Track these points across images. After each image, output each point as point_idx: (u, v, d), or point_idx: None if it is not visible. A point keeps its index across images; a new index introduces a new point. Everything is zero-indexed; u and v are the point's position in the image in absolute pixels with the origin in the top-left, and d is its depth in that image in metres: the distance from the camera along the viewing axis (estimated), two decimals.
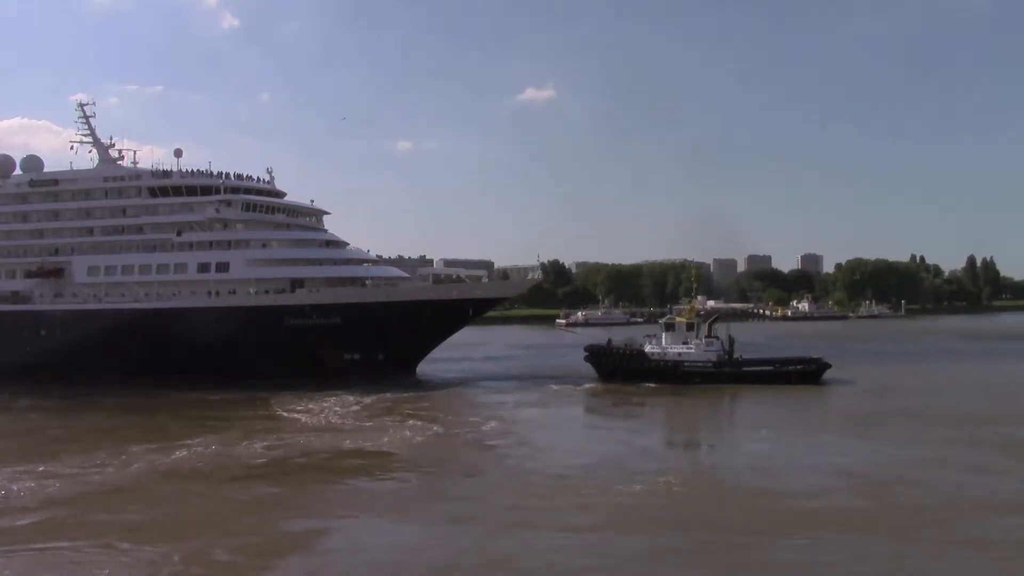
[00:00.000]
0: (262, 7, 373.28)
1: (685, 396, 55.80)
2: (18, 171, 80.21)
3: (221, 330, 67.46)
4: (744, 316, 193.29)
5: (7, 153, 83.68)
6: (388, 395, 56.76)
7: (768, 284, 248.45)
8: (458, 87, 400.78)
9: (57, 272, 74.85)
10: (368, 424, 45.09)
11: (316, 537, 26.07)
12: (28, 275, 75.68)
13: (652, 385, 58.97)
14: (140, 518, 27.47)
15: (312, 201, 78.91)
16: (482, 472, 34.51)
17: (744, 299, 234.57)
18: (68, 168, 78.39)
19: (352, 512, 28.19)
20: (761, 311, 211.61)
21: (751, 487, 31.05)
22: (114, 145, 78.17)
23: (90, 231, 75.54)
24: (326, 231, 77.70)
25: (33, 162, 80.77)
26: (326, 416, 48.12)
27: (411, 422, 45.49)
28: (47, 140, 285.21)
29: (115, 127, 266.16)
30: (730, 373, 59.70)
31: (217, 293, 70.78)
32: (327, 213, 79.55)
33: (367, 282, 74.58)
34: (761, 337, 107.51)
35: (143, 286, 72.61)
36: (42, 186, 77.70)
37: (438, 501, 29.20)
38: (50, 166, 79.41)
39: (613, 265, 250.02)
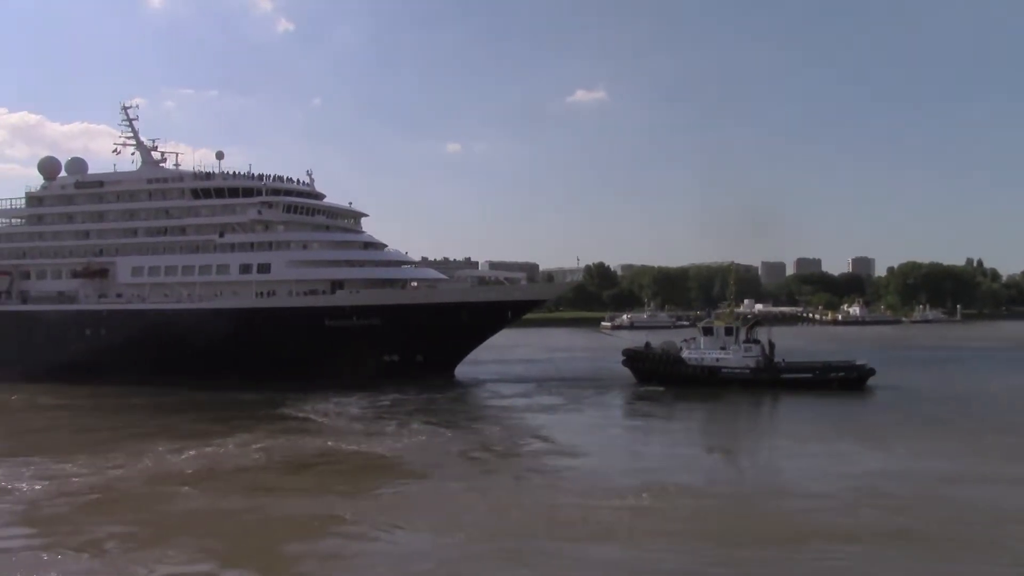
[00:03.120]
0: (317, 11, 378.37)
1: (721, 403, 54.72)
2: (63, 173, 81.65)
3: (262, 331, 68.02)
4: (792, 320, 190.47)
5: (52, 155, 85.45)
6: (423, 396, 56.78)
7: (818, 288, 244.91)
8: (508, 89, 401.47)
9: (102, 272, 76.01)
10: (399, 426, 44.87)
11: (319, 542, 25.77)
12: (74, 275, 76.97)
13: (689, 391, 57.77)
14: (129, 522, 27.46)
15: (351, 203, 79.39)
16: (510, 478, 33.90)
17: (793, 303, 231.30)
18: (112, 170, 79.65)
19: (377, 520, 27.73)
20: (810, 315, 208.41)
21: (776, 500, 30.13)
22: (157, 147, 79.30)
23: (134, 232, 76.54)
24: (364, 232, 78.04)
25: (78, 164, 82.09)
26: (358, 417, 47.99)
27: (444, 424, 45.28)
28: (105, 144, 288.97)
29: (171, 131, 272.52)
30: (769, 379, 58.47)
31: (259, 294, 71.34)
32: (365, 215, 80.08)
33: (413, 283, 74.87)
34: (808, 341, 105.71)
35: (186, 287, 73.45)
36: (87, 188, 79.00)
37: (465, 507, 28.75)
38: (107, 169, 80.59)
39: (659, 268, 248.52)
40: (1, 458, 36.36)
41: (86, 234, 78.33)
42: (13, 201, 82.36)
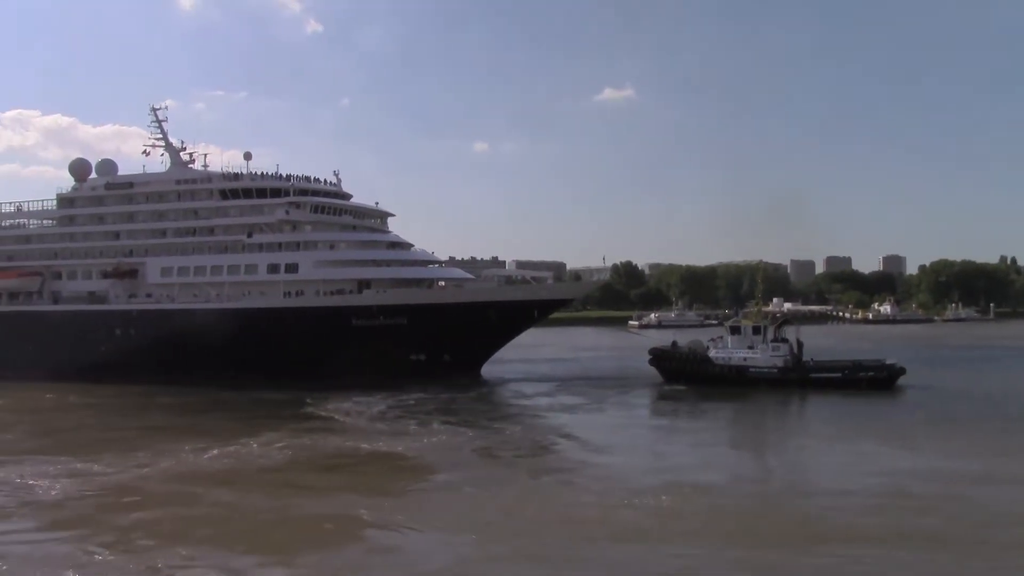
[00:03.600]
0: (345, 12, 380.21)
1: (748, 403, 54.23)
2: (94, 175, 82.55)
3: (290, 330, 68.45)
4: (822, 319, 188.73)
5: (83, 157, 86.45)
6: (447, 395, 56.82)
7: (848, 286, 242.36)
8: (535, 88, 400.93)
9: (132, 273, 76.76)
10: (420, 425, 44.93)
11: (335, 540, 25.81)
12: (104, 276, 77.77)
13: (716, 391, 57.22)
14: (149, 520, 27.72)
15: (377, 203, 79.73)
16: (530, 478, 33.83)
17: (822, 301, 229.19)
18: (141, 172, 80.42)
19: (395, 519, 27.68)
20: (840, 313, 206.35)
21: (799, 500, 29.88)
22: (185, 148, 79.90)
23: (163, 233, 77.22)
24: (390, 232, 78.30)
25: (108, 166, 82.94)
26: (381, 417, 48.10)
27: (465, 424, 45.25)
28: (137, 145, 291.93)
29: (201, 132, 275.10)
30: (797, 379, 57.90)
31: (287, 294, 71.76)
32: (392, 215, 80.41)
33: (440, 283, 75.04)
34: (838, 340, 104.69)
35: (214, 286, 74.03)
36: (117, 189, 79.76)
37: (483, 507, 28.71)
38: (138, 170, 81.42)
39: (687, 266, 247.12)
40: (29, 456, 36.79)
41: (116, 235, 79.11)
42: (45, 202, 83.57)
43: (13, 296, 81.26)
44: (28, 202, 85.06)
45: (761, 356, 58.88)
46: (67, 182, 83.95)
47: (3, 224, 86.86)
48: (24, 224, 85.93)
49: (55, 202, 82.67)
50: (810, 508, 28.52)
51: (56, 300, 79.96)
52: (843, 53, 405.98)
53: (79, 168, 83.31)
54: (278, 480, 32.79)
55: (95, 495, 30.68)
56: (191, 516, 28.04)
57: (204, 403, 56.10)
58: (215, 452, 37.41)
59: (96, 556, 23.67)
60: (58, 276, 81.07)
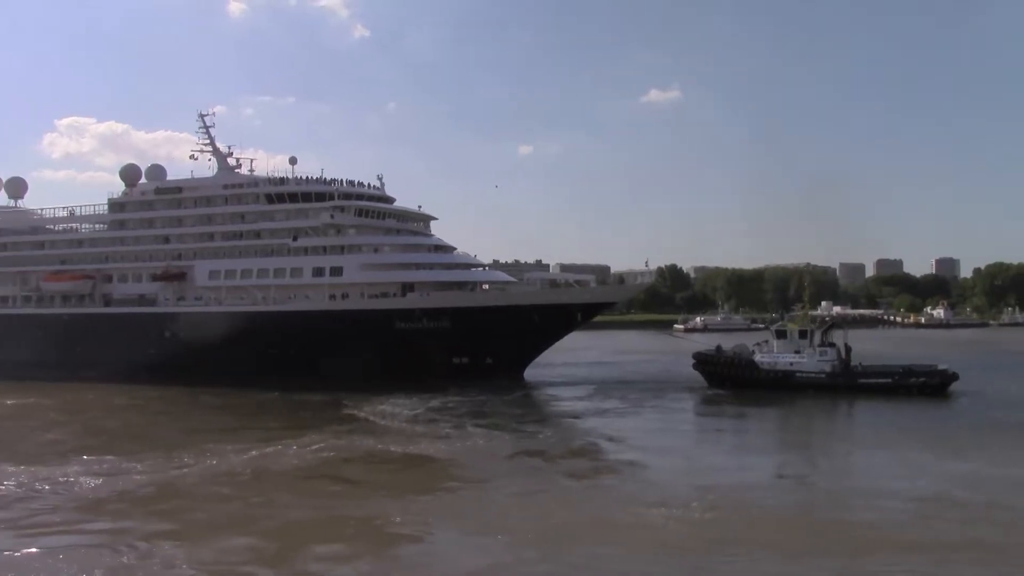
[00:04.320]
0: (392, 17, 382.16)
1: (794, 409, 53.42)
2: (144, 180, 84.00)
3: (334, 333, 68.91)
4: (872, 323, 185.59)
5: (134, 163, 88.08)
6: (486, 398, 56.74)
7: (899, 289, 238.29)
8: (580, 90, 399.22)
9: (180, 276, 77.99)
10: (457, 428, 44.88)
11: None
12: (154, 279, 79.17)
13: (761, 396, 56.31)
14: (183, 519, 27.97)
15: (420, 206, 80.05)
16: (563, 483, 33.54)
17: (872, 305, 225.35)
18: (189, 176, 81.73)
19: (426, 521, 27.66)
20: (891, 318, 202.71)
21: (842, 508, 29.13)
22: (232, 154, 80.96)
23: (211, 236, 78.35)
24: (433, 235, 78.58)
25: (157, 171, 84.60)
26: (419, 419, 48.07)
27: (502, 427, 45.15)
28: (187, 151, 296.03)
29: (250, 137, 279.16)
30: (845, 385, 56.79)
31: (331, 297, 72.30)
32: (435, 218, 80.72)
33: (484, 286, 75.15)
34: (889, 345, 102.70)
35: (261, 289, 74.92)
36: (166, 194, 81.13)
37: (514, 511, 28.46)
38: (187, 175, 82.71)
39: (733, 269, 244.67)
40: (74, 455, 37.33)
41: (165, 239, 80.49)
42: (96, 207, 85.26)
43: (66, 299, 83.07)
44: (81, 207, 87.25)
45: (808, 361, 57.86)
46: (120, 187, 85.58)
47: (57, 228, 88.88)
48: (77, 228, 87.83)
49: (107, 207, 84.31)
50: (854, 516, 27.83)
51: (107, 303, 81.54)
52: (894, 51, 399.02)
53: (129, 173, 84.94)
54: (312, 481, 32.93)
55: (133, 494, 31.08)
56: (224, 516, 28.28)
57: (247, 404, 56.90)
58: (254, 453, 37.68)
59: (123, 555, 23.90)
60: (109, 279, 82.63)
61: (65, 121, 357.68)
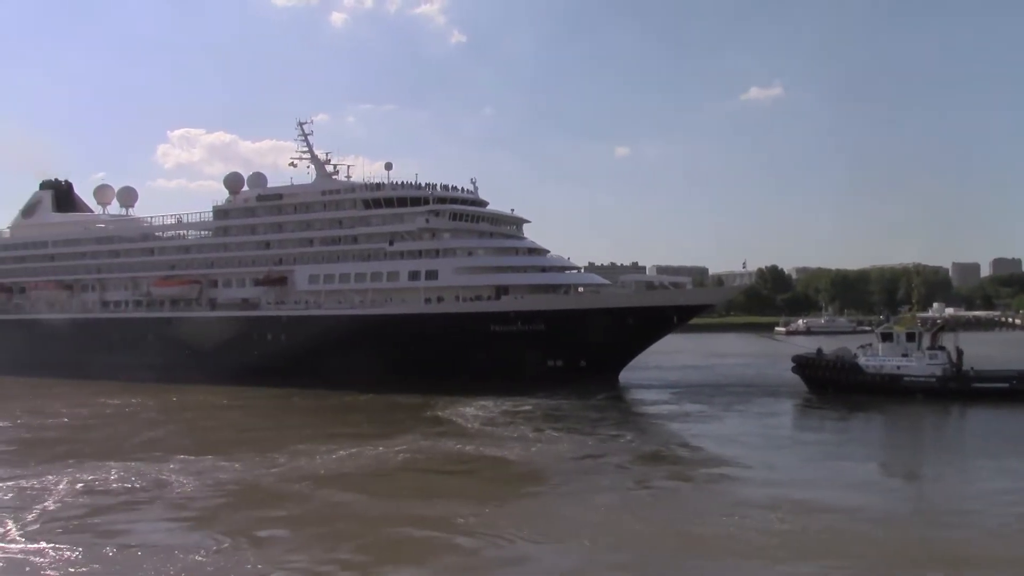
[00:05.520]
0: (488, 22, 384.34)
1: (900, 415, 51.20)
2: (246, 187, 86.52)
3: (430, 336, 69.60)
4: (988, 325, 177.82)
5: (237, 171, 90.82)
6: (575, 401, 56.32)
7: (1018, 289, 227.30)
8: (678, 90, 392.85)
9: (281, 280, 79.92)
10: (541, 431, 44.58)
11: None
12: (256, 283, 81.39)
13: (865, 400, 54.17)
14: (267, 518, 28.61)
15: (512, 210, 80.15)
16: (647, 489, 32.96)
17: (989, 306, 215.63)
18: (289, 183, 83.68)
19: (503, 526, 27.20)
20: (1010, 320, 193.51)
21: (939, 522, 27.74)
22: (330, 160, 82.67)
23: (310, 242, 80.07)
24: (526, 238, 78.64)
25: (258, 179, 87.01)
26: (505, 422, 48.00)
27: (587, 431, 44.65)
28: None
29: (351, 144, 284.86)
30: (957, 389, 54.36)
31: (427, 300, 73.08)
32: (527, 221, 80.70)
33: (580, 289, 74.90)
34: (1007, 349, 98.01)
35: (358, 293, 76.16)
36: (267, 200, 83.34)
37: (595, 516, 27.99)
38: (288, 183, 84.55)
39: (837, 270, 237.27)
40: (169, 454, 38.58)
41: (267, 244, 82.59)
42: (202, 215, 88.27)
43: (174, 303, 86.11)
44: (187, 214, 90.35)
45: (917, 364, 55.48)
46: (225, 195, 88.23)
47: (165, 235, 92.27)
48: (184, 235, 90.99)
49: (211, 214, 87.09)
50: (947, 532, 26.39)
51: (213, 307, 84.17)
52: (1007, 45, 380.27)
53: (233, 182, 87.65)
54: (392, 483, 33.27)
55: (221, 492, 31.98)
56: (304, 515, 28.79)
57: (339, 406, 57.92)
58: (341, 453, 38.31)
59: (198, 553, 24.42)
60: (214, 284, 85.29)
61: (177, 132, 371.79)
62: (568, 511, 28.70)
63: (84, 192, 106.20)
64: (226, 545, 25.08)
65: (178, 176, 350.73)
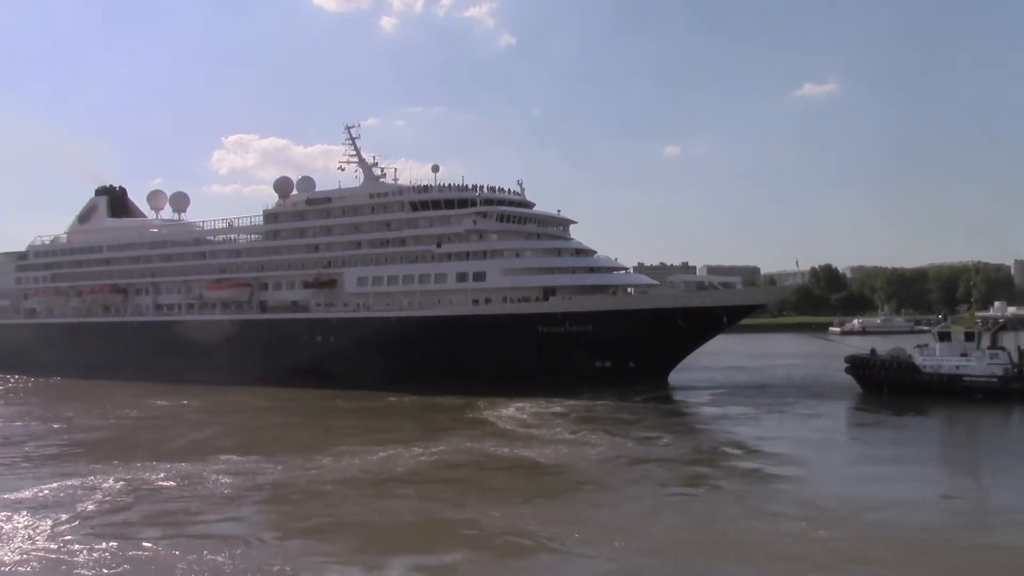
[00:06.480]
0: (537, 24, 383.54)
1: (962, 417, 49.80)
2: (295, 191, 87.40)
3: (478, 337, 69.62)
4: None
5: (287, 175, 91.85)
6: (621, 403, 55.84)
7: None
8: (729, 87, 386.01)
9: (330, 283, 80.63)
10: (585, 433, 44.10)
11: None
12: (305, 286, 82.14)
13: (921, 402, 52.79)
14: (299, 517, 28.91)
15: (559, 210, 80.00)
16: (691, 493, 32.42)
17: None
18: (337, 187, 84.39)
19: (543, 530, 26.73)
20: None
21: (996, 533, 26.66)
22: (377, 163, 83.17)
23: (358, 244, 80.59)
24: (573, 239, 78.32)
25: (307, 182, 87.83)
26: (548, 423, 47.60)
27: (631, 434, 44.08)
28: None
29: (400, 148, 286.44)
30: (1021, 390, 52.85)
31: (475, 301, 73.13)
32: (574, 222, 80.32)
33: (629, 290, 74.43)
34: None
35: (406, 295, 76.50)
36: (317, 204, 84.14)
37: (636, 521, 27.55)
38: (337, 186, 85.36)
39: (893, 268, 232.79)
40: (212, 455, 38.89)
41: (316, 247, 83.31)
42: (252, 218, 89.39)
43: (226, 306, 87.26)
44: (238, 218, 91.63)
45: (976, 364, 54.09)
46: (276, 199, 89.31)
47: (216, 239, 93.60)
48: (235, 239, 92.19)
49: (262, 218, 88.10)
50: (996, 539, 25.59)
51: (263, 309, 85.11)
52: None
53: (282, 186, 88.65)
54: (426, 484, 33.18)
55: (260, 492, 32.18)
56: (335, 516, 28.89)
57: (382, 408, 58.06)
58: (381, 454, 38.43)
59: (229, 552, 24.50)
60: (265, 287, 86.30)
61: (231, 138, 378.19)
62: (600, 514, 28.29)
63: (137, 198, 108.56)
64: (257, 545, 25.25)
65: (233, 181, 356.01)
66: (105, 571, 23.10)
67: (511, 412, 51.51)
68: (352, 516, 28.82)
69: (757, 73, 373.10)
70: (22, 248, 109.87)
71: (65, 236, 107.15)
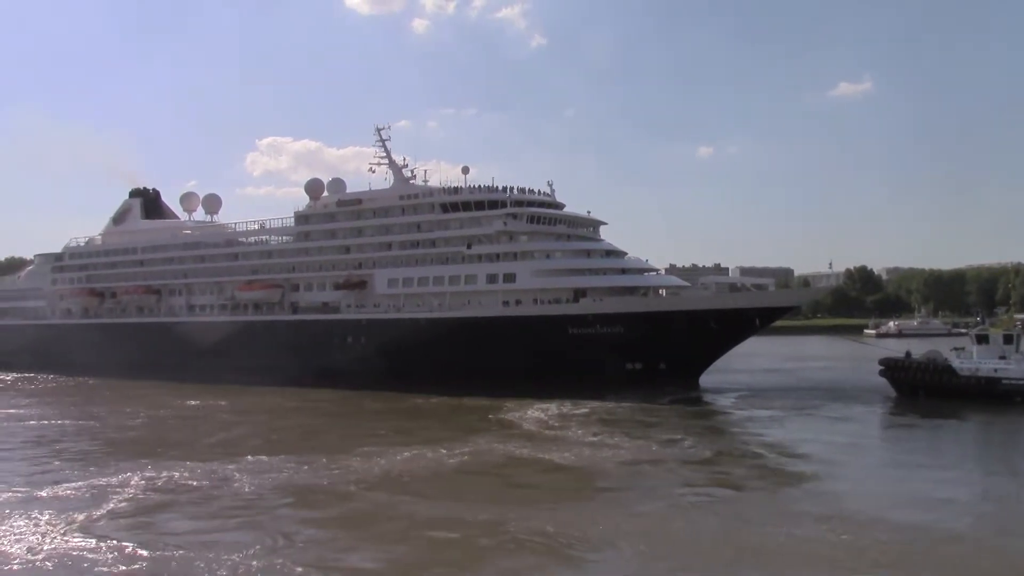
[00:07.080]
0: (568, 25, 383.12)
1: (999, 421, 48.68)
2: (326, 193, 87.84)
3: (508, 338, 69.54)
4: None
5: (318, 177, 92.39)
6: (645, 404, 55.41)
7: None
8: (762, 87, 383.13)
9: (361, 284, 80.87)
10: (605, 434, 43.83)
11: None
12: (336, 287, 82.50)
13: (958, 405, 51.78)
14: (318, 519, 29.01)
15: (589, 211, 79.81)
16: (720, 499, 31.91)
17: None
18: (367, 188, 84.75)
19: (547, 531, 26.45)
20: None
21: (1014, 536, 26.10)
22: (407, 165, 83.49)
23: (388, 246, 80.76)
24: (603, 240, 78.01)
25: (338, 184, 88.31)
26: (573, 425, 47.31)
27: (655, 437, 43.57)
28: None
29: (433, 149, 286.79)
30: None
31: (505, 303, 73.07)
32: (604, 223, 79.97)
33: (661, 291, 74.04)
34: None
35: (437, 296, 76.54)
36: (347, 206, 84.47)
37: (660, 527, 27.24)
38: (367, 188, 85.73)
39: (930, 270, 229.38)
40: (240, 456, 38.93)
41: (346, 249, 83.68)
42: (284, 220, 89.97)
43: (257, 307, 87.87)
44: (270, 220, 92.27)
45: (1016, 367, 53.15)
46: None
47: (248, 241, 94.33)
48: (266, 240, 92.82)
49: (293, 219, 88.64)
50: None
51: (294, 310, 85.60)
52: None
53: (313, 187, 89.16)
54: (448, 486, 33.14)
55: (284, 492, 32.17)
56: (357, 516, 29.00)
57: (409, 409, 58.00)
58: (406, 454, 38.45)
59: (249, 551, 24.52)
60: (296, 288, 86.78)
61: (265, 141, 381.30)
62: (621, 517, 27.93)
63: (171, 200, 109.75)
64: (279, 545, 25.22)
65: (266, 183, 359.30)
66: (127, 568, 23.21)
67: (539, 414, 51.25)
68: (372, 516, 28.81)
69: (791, 73, 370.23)
70: (58, 250, 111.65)
71: (100, 238, 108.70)
